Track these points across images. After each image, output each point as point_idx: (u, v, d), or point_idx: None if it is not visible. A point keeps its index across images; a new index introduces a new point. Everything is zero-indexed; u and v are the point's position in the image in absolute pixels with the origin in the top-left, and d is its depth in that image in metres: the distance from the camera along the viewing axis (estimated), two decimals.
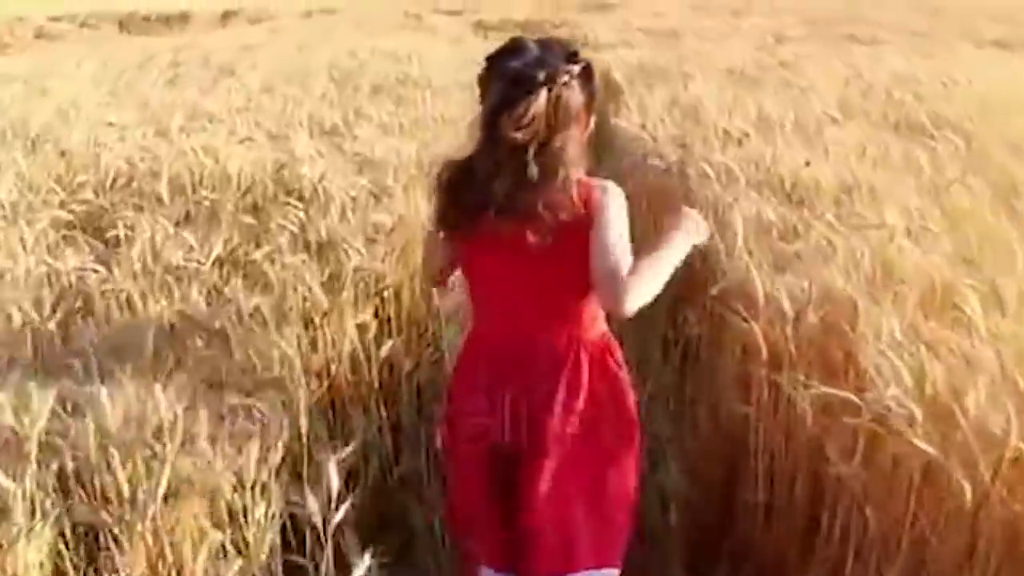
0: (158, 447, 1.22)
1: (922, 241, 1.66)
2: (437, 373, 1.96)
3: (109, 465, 1.20)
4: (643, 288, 1.15)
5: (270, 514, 1.32)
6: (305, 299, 1.76)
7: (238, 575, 1.22)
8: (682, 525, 1.73)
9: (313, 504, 1.12)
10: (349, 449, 1.30)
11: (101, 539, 1.23)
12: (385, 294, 1.95)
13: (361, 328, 1.87)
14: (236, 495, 1.28)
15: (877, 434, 1.23)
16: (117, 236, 2.19)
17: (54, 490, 1.23)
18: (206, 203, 2.32)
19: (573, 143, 1.18)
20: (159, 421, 1.26)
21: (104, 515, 1.18)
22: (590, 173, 1.24)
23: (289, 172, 2.59)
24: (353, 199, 2.26)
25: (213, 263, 1.96)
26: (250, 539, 1.29)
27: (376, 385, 1.83)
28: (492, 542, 1.26)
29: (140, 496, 1.18)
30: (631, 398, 1.31)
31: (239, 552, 1.28)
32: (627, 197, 1.23)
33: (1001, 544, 1.10)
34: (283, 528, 1.36)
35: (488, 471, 1.26)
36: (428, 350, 1.93)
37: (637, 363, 2.43)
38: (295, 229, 2.13)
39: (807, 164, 2.19)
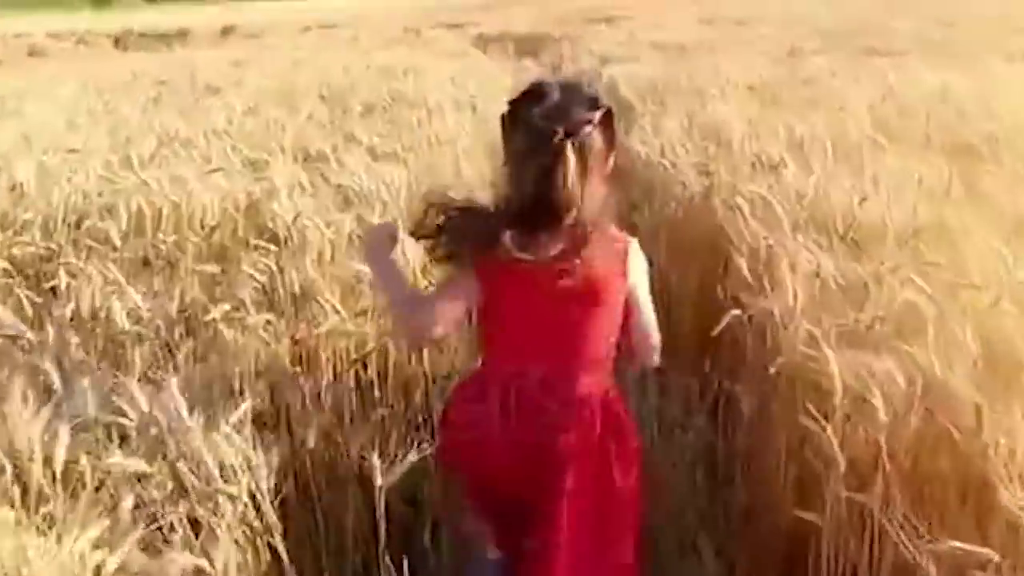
0: None
1: None
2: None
3: None
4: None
5: None
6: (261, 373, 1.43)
7: None
8: None
9: None
10: None
11: None
12: (367, 360, 1.62)
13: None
14: None
15: None
16: (56, 287, 1.88)
17: None
18: (164, 246, 2.00)
19: (599, 191, 1.19)
20: None
21: None
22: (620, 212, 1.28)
23: (263, 208, 2.28)
24: (332, 243, 1.93)
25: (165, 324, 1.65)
26: None
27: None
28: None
29: None
30: (636, 444, 1.33)
31: None
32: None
33: None
34: None
35: (495, 515, 1.29)
36: (418, 433, 1.60)
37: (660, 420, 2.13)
38: (263, 279, 1.82)
39: (862, 201, 1.86)
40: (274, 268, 1.81)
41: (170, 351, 1.50)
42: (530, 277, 1.16)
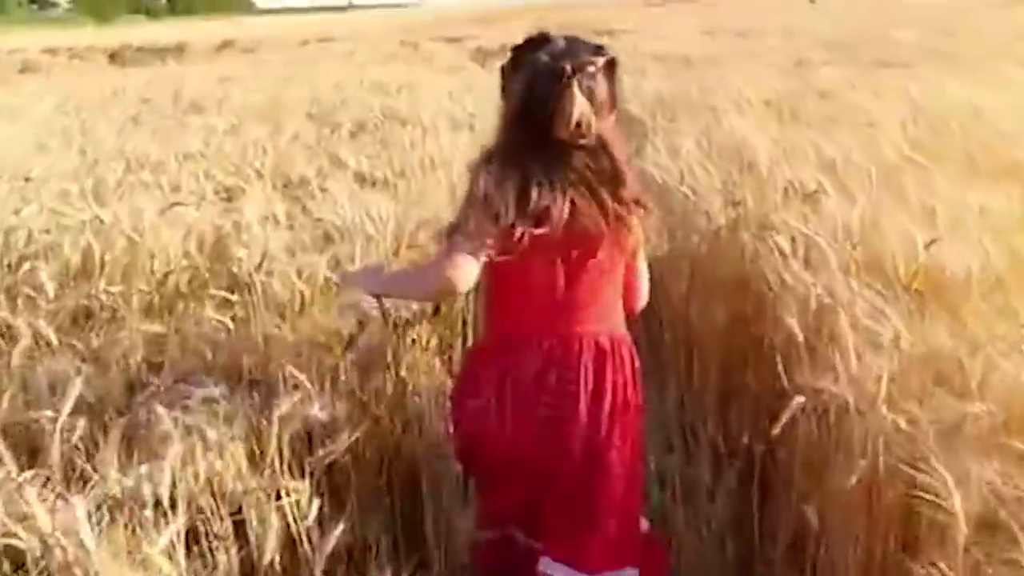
0: None
1: None
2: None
3: None
4: None
5: None
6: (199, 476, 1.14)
7: None
8: None
9: None
10: None
11: None
12: (335, 454, 1.32)
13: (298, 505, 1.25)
14: None
15: None
16: None
17: None
18: (107, 297, 1.72)
19: (615, 134, 1.18)
20: None
21: None
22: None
23: (231, 246, 2.00)
24: (303, 295, 1.65)
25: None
26: None
27: None
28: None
29: None
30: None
31: None
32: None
33: None
34: None
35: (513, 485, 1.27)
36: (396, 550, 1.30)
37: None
38: (218, 339, 1.53)
39: (931, 244, 1.56)
40: (230, 326, 1.52)
41: (95, 443, 1.21)
42: (531, 240, 1.13)
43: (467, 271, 1.16)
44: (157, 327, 1.54)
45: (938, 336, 1.23)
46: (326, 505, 1.20)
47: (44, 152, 3.49)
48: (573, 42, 1.16)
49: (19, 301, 1.78)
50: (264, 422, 1.33)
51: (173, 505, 1.06)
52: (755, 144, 2.81)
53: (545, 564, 1.25)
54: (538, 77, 1.12)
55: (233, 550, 1.13)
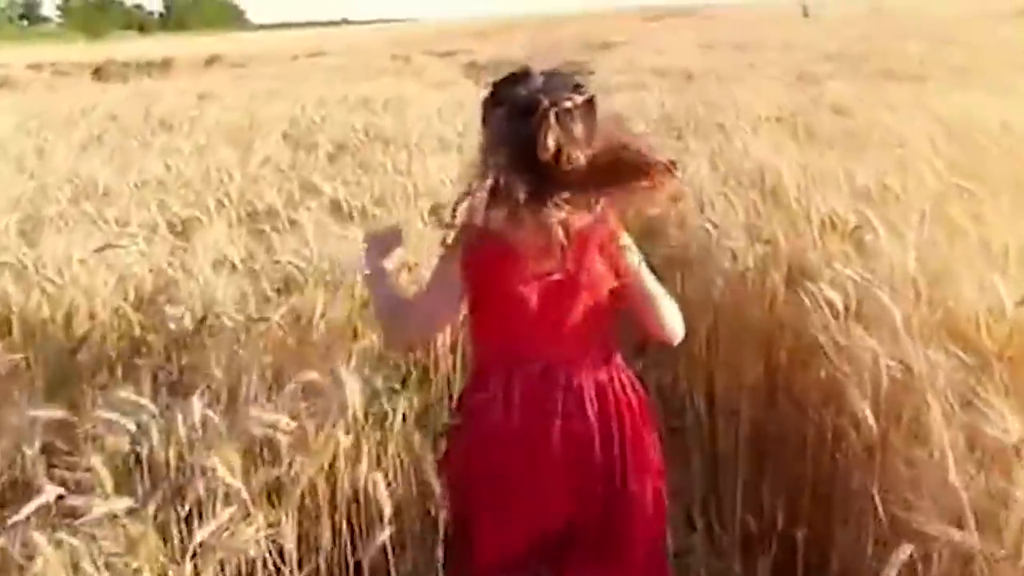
0: None
1: None
2: None
3: None
4: None
5: None
6: None
7: None
8: None
9: None
10: None
11: None
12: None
13: None
14: None
15: None
16: None
17: None
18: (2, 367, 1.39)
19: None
20: None
21: None
22: None
23: (172, 296, 1.68)
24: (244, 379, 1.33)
25: None
26: None
27: None
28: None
29: None
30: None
31: None
32: None
33: None
34: None
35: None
36: None
37: None
38: (133, 428, 1.21)
39: (1021, 303, 1.26)
40: (152, 411, 1.20)
41: None
42: (517, 262, 1.14)
43: (430, 321, 1.26)
44: (59, 411, 1.22)
45: None
46: None
47: None
48: (552, 78, 1.16)
49: None
50: (182, 549, 1.01)
51: None
52: (775, 167, 2.52)
53: None
54: (515, 113, 1.12)
55: None
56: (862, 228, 1.84)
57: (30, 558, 0.98)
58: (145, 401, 1.23)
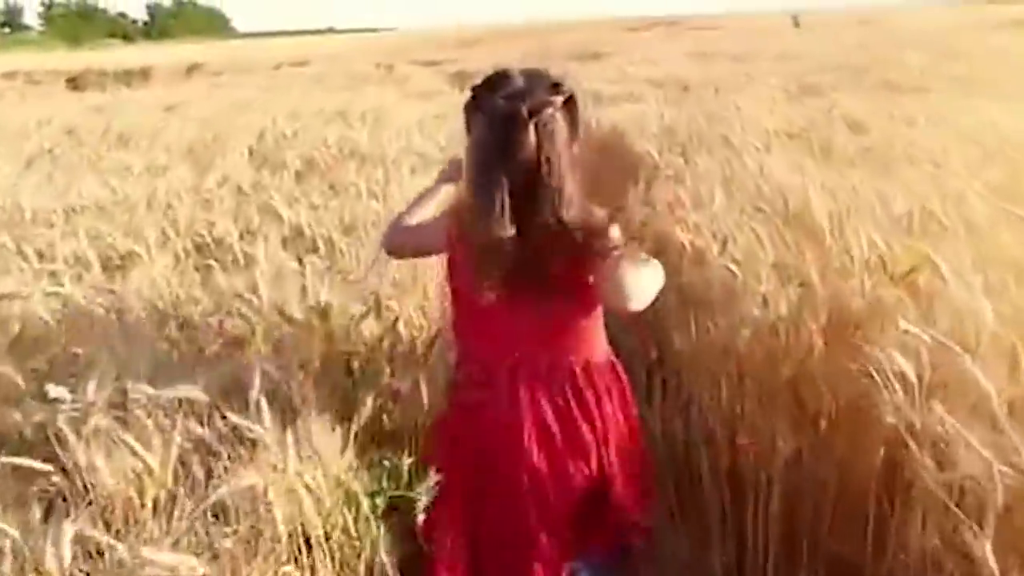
0: None
1: None
2: None
3: None
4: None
5: None
6: None
7: None
8: None
9: None
10: None
11: None
12: None
13: None
14: None
15: None
16: None
17: None
18: None
19: (566, 179, 1.14)
20: None
21: None
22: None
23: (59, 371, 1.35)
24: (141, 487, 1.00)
25: None
26: None
27: None
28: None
29: None
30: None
31: None
32: None
33: None
34: None
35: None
36: None
37: None
38: None
39: None
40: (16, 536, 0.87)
41: None
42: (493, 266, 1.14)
43: (409, 243, 1.38)
44: None
45: None
46: None
47: None
48: (531, 79, 1.16)
49: None
50: None
51: None
52: (798, 190, 2.22)
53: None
54: (495, 121, 1.13)
55: None
56: (918, 269, 1.54)
57: None
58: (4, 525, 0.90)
